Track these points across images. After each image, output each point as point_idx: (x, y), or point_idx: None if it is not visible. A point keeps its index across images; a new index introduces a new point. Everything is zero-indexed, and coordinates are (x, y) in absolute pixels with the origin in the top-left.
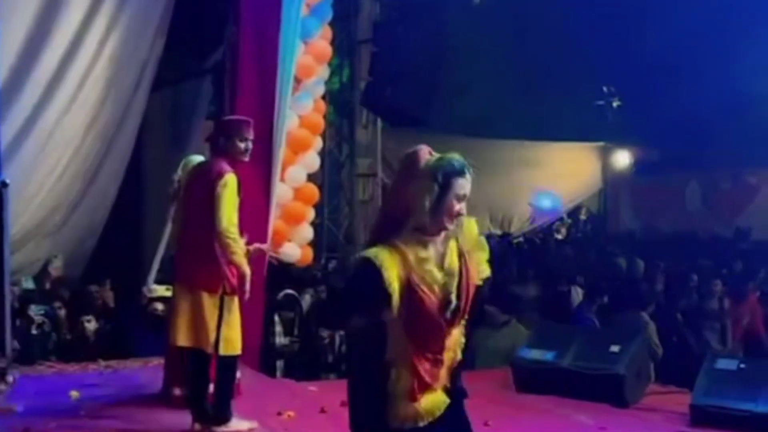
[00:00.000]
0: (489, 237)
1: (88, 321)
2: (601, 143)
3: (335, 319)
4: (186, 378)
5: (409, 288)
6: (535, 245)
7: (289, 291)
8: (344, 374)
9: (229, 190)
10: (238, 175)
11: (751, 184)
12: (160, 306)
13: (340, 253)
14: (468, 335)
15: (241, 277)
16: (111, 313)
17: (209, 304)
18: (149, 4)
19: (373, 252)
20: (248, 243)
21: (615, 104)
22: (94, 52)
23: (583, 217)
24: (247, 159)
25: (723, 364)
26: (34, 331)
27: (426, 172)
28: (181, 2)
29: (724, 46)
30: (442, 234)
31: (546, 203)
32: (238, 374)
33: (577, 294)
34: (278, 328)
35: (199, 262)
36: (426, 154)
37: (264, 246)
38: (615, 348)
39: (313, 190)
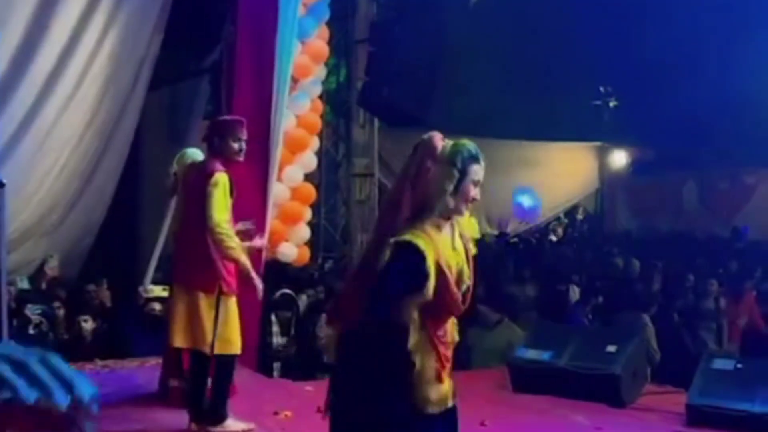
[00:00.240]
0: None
1: (85, 321)
2: (598, 143)
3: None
4: (183, 373)
5: (440, 270)
6: (531, 245)
7: (286, 291)
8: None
9: (219, 188)
10: (231, 174)
11: (748, 183)
12: (157, 306)
13: (337, 252)
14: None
15: (242, 272)
16: (108, 313)
17: (206, 304)
18: (147, 2)
19: (410, 236)
20: (250, 237)
21: (612, 104)
22: (91, 50)
23: (580, 216)
24: (241, 159)
25: (719, 364)
26: (31, 331)
27: (445, 158)
28: (179, 1)
29: (722, 46)
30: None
31: (526, 201)
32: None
33: (575, 293)
34: (275, 328)
35: (195, 262)
36: (440, 140)
37: (258, 243)
38: (612, 348)
39: (310, 190)
